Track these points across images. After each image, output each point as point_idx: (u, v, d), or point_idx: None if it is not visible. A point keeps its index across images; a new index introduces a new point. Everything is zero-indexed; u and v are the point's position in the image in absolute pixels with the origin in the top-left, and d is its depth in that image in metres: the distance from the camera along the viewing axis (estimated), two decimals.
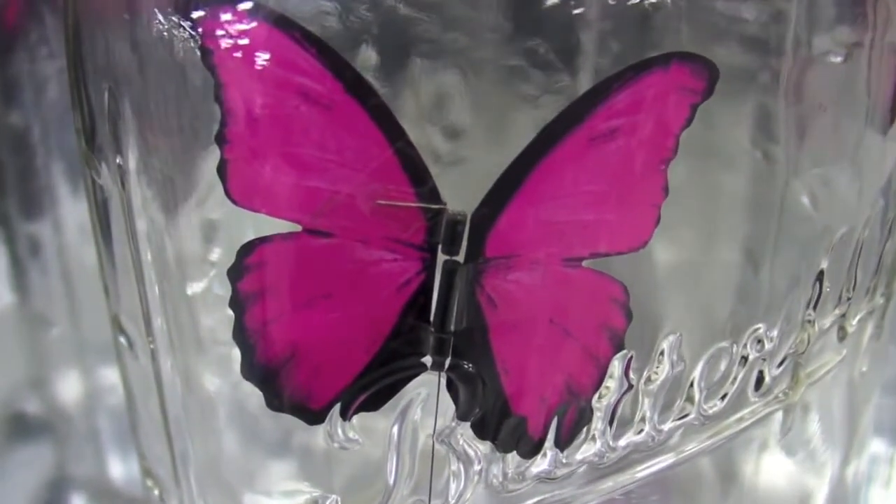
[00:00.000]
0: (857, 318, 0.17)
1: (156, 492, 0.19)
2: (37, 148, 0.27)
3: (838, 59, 0.18)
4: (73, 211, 0.27)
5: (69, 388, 0.29)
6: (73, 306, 0.28)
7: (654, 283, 0.16)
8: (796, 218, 0.17)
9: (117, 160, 0.16)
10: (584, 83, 0.15)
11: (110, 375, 0.28)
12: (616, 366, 0.15)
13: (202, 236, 0.16)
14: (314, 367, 0.15)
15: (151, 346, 0.17)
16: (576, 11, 0.15)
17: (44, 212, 0.28)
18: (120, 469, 0.28)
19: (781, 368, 0.16)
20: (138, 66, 0.15)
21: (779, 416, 0.17)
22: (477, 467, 0.15)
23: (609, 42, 0.16)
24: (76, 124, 0.17)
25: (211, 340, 0.17)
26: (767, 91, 0.17)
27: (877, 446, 0.26)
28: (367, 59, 0.14)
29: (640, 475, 0.16)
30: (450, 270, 0.14)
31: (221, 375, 0.17)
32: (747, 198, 0.17)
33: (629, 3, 0.15)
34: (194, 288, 0.16)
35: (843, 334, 0.17)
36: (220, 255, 0.16)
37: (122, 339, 0.18)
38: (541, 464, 0.15)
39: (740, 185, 0.17)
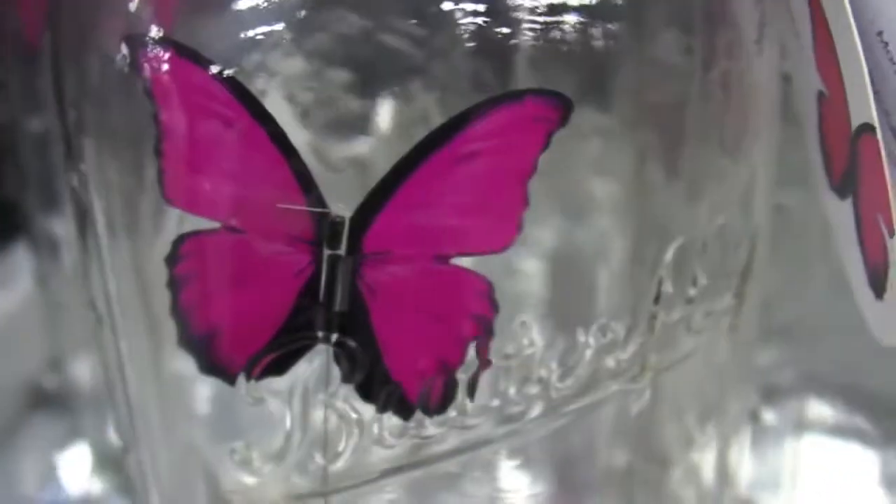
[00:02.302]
0: (706, 315, 0.20)
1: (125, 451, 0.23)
2: (55, 153, 0.30)
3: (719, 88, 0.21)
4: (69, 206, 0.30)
5: (82, 366, 0.33)
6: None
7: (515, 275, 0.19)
8: (648, 226, 0.20)
9: (81, 167, 0.19)
10: None
11: None
12: (472, 346, 0.18)
13: (163, 226, 0.19)
14: (232, 338, 0.18)
15: (112, 326, 0.21)
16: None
17: (60, 209, 0.31)
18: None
19: (629, 356, 0.19)
20: (97, 91, 0.19)
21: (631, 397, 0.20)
22: (357, 423, 0.18)
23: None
24: (59, 136, 0.21)
25: (165, 321, 0.20)
26: (667, 119, 0.20)
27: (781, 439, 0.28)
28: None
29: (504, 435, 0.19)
30: (332, 262, 0.18)
31: (173, 353, 0.20)
32: (612, 207, 0.20)
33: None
34: (149, 273, 0.20)
35: (689, 328, 0.20)
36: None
37: (93, 317, 0.22)
38: (412, 423, 0.18)
39: (613, 193, 0.20)
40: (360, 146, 0.18)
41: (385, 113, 0.19)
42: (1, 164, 0.32)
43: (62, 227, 0.31)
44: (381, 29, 0.18)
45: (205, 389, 0.20)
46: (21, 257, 0.34)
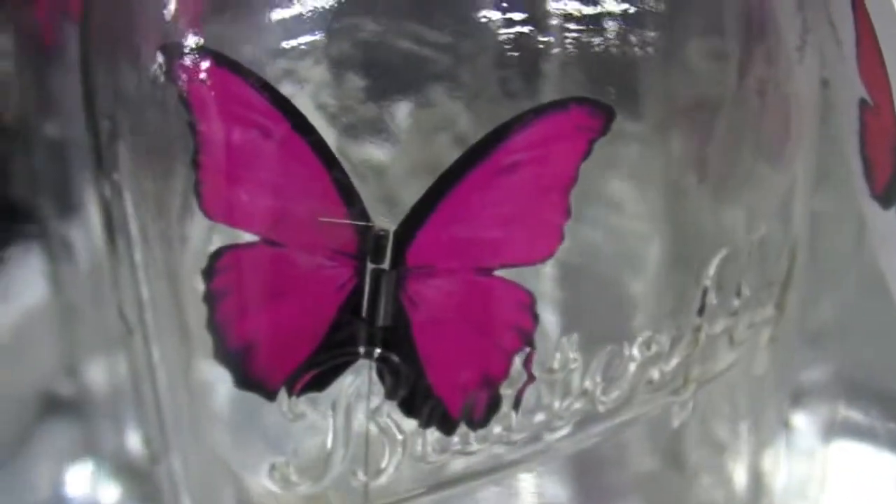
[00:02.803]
0: (748, 326, 0.20)
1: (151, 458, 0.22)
2: (70, 158, 0.30)
3: (755, 95, 0.20)
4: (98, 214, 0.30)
5: (96, 372, 0.33)
6: (100, 298, 0.31)
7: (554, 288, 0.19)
8: (690, 236, 0.20)
9: (115, 177, 0.19)
10: None
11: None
12: (518, 360, 0.18)
13: (196, 235, 0.19)
14: (270, 353, 0.18)
15: (143, 334, 0.20)
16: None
17: (75, 214, 0.31)
18: (137, 443, 0.32)
19: (672, 368, 0.19)
20: (132, 101, 0.18)
21: (675, 409, 0.20)
22: (400, 439, 0.18)
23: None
24: (89, 145, 0.21)
25: (199, 331, 0.20)
26: (701, 125, 0.20)
27: (810, 442, 0.28)
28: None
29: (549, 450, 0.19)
30: (376, 276, 0.17)
31: (205, 360, 0.20)
32: (648, 214, 0.20)
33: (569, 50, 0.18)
34: (188, 284, 0.20)
35: (732, 341, 0.20)
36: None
37: (124, 326, 0.21)
38: (455, 438, 0.18)
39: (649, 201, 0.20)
40: (381, 152, 0.18)
41: (406, 119, 0.18)
42: (14, 168, 0.31)
43: (78, 231, 0.31)
44: (404, 35, 0.18)
45: (238, 398, 0.20)
46: (35, 261, 0.33)
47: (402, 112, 0.18)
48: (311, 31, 0.18)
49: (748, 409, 0.22)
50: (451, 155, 0.18)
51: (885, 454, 0.28)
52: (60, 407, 0.33)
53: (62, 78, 0.29)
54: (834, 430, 0.28)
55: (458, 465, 0.19)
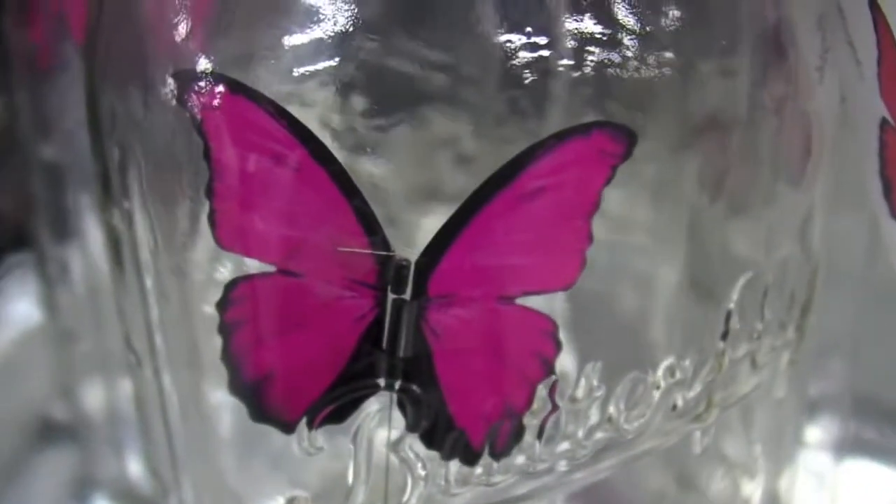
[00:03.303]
0: (769, 350, 0.20)
1: (159, 491, 0.22)
2: (66, 180, 0.30)
3: (772, 114, 0.20)
4: (98, 237, 0.29)
5: (93, 396, 0.32)
6: (98, 323, 0.31)
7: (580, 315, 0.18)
8: (709, 259, 0.19)
9: (125, 205, 0.19)
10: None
11: (130, 386, 0.30)
12: (542, 389, 0.18)
13: (207, 263, 0.19)
14: (287, 385, 0.18)
15: (154, 363, 0.20)
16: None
17: (72, 237, 0.30)
18: (138, 470, 0.31)
19: (695, 394, 0.19)
20: (143, 128, 0.18)
21: (697, 435, 0.20)
22: (422, 472, 0.18)
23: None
24: (95, 172, 0.20)
25: (210, 358, 0.19)
26: (715, 145, 0.20)
27: (822, 462, 0.28)
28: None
29: (568, 481, 0.19)
30: (398, 307, 0.17)
31: (218, 390, 0.20)
32: (673, 241, 0.20)
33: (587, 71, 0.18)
34: (198, 311, 0.19)
35: (754, 364, 0.20)
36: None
37: (131, 357, 0.21)
38: (478, 470, 0.18)
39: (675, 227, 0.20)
40: (379, 170, 0.18)
41: (406, 139, 0.18)
42: (10, 190, 0.31)
43: (75, 254, 0.30)
44: (405, 57, 0.17)
45: (251, 429, 0.19)
46: (30, 285, 0.33)
47: (404, 133, 0.18)
48: (322, 55, 0.17)
49: (766, 431, 0.22)
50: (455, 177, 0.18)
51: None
52: (57, 433, 0.33)
53: (59, 100, 0.29)
54: (846, 446, 0.28)
55: (479, 497, 0.18)
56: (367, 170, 0.17)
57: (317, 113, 0.17)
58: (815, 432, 0.28)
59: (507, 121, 0.18)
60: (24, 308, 0.34)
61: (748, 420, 0.22)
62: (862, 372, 0.27)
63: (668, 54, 0.18)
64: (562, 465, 0.18)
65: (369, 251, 0.17)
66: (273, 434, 0.18)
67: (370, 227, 0.16)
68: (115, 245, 0.20)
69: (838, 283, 0.26)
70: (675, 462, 0.22)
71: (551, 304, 0.18)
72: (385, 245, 0.17)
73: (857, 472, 0.28)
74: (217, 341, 0.18)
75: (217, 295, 0.17)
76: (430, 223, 0.17)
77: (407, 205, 0.18)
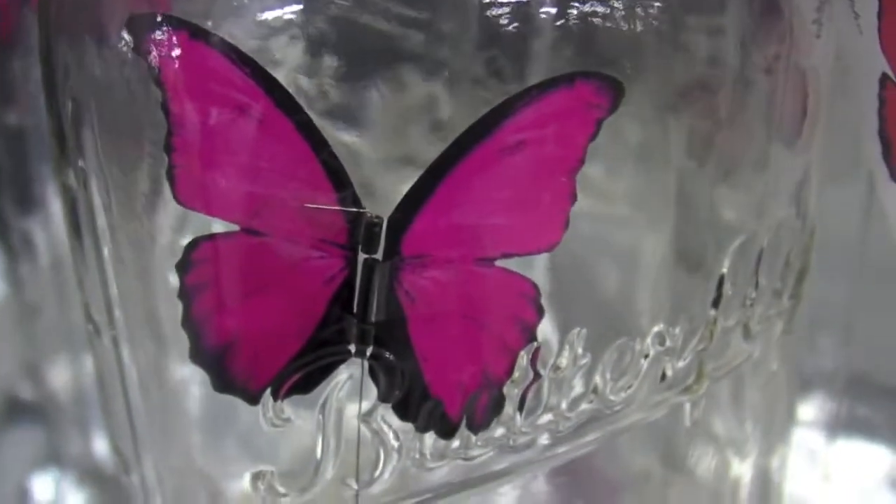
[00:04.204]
0: (763, 318, 0.19)
1: (121, 468, 0.21)
2: (30, 149, 0.29)
3: (763, 73, 0.19)
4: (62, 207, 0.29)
5: (59, 373, 0.31)
6: (63, 296, 0.30)
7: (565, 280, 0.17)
8: (698, 224, 0.18)
9: (80, 164, 0.17)
10: None
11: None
12: (523, 357, 0.17)
13: (169, 228, 0.18)
14: (252, 352, 0.17)
15: (113, 334, 0.19)
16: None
17: (36, 208, 0.29)
18: (103, 447, 0.30)
19: (686, 363, 0.18)
20: (98, 81, 0.17)
21: (687, 407, 0.19)
22: (395, 445, 0.16)
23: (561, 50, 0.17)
24: (50, 131, 0.19)
25: (173, 330, 0.18)
26: (702, 106, 0.19)
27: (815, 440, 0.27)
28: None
29: (550, 455, 0.18)
30: (369, 267, 0.16)
31: (184, 365, 0.19)
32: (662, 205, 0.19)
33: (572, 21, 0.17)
34: (161, 279, 0.18)
35: (747, 333, 0.19)
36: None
37: (90, 327, 0.20)
38: (455, 443, 0.17)
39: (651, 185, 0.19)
40: (354, 135, 0.17)
41: (381, 101, 0.17)
42: None
43: (39, 226, 0.29)
44: (378, 13, 0.16)
45: (215, 401, 0.18)
46: None
47: (378, 96, 0.17)
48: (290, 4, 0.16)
49: (758, 408, 0.21)
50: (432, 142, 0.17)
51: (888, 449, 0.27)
52: (23, 411, 0.32)
53: (21, 66, 0.28)
54: (839, 424, 0.27)
55: (456, 472, 0.17)
56: (340, 136, 0.16)
57: (286, 74, 0.16)
58: (808, 410, 0.27)
59: (485, 83, 0.17)
60: None
61: (739, 397, 0.21)
62: (855, 349, 0.26)
63: (657, 3, 0.17)
64: (544, 439, 0.17)
65: (338, 208, 0.15)
66: (241, 409, 0.17)
67: (339, 181, 0.15)
68: (71, 207, 0.19)
69: (831, 257, 0.25)
70: (661, 440, 0.21)
71: (532, 271, 0.17)
72: (355, 201, 0.15)
73: (850, 450, 0.27)
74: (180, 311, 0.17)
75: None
76: (407, 190, 0.16)
77: (382, 171, 0.17)
